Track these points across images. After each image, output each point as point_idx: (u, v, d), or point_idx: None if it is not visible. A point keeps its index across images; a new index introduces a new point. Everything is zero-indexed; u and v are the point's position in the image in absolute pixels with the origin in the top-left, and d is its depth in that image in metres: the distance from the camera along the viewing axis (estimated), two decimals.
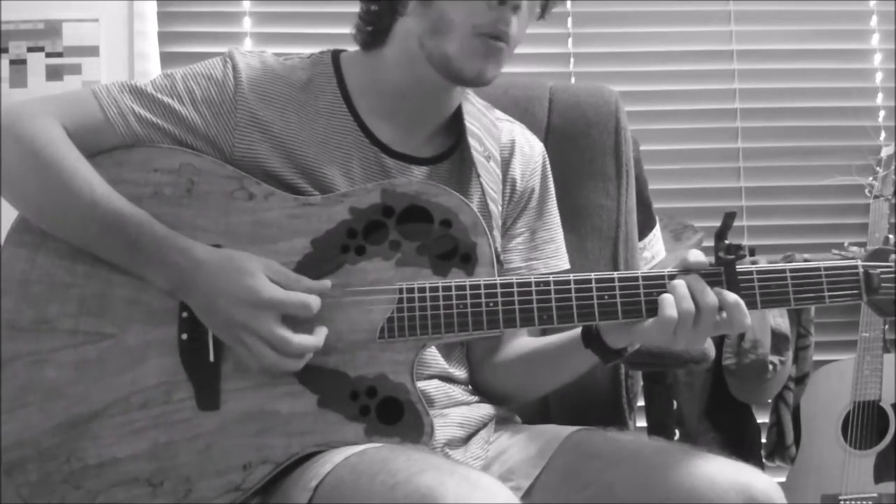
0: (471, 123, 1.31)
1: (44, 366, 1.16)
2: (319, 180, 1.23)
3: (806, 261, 1.22)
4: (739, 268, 1.14)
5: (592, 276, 1.15)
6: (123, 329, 1.17)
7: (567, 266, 1.41)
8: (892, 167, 2.45)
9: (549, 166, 1.43)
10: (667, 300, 1.12)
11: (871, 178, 2.51)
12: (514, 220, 1.38)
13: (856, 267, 1.15)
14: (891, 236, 1.18)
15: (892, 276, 1.15)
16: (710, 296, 1.11)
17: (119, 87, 1.23)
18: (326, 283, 1.15)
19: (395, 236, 1.18)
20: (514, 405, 1.40)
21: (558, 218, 1.42)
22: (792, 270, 1.14)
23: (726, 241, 1.14)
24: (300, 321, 1.13)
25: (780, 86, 2.82)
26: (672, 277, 1.14)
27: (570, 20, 2.79)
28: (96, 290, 1.18)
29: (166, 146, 1.22)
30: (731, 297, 1.11)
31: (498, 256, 1.21)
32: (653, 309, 1.13)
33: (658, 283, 1.14)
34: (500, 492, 0.98)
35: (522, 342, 1.37)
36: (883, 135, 2.81)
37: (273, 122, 1.23)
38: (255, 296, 1.11)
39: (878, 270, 1.15)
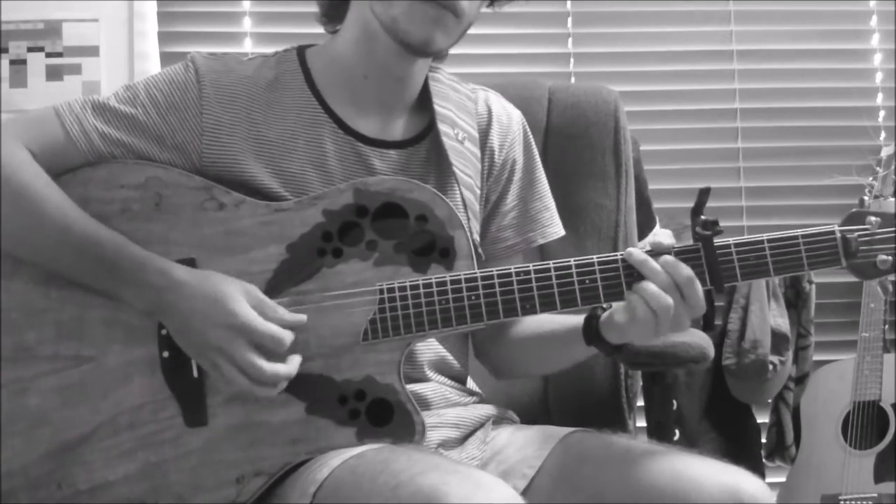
0: (440, 106, 1.29)
1: (26, 394, 1.14)
2: (292, 179, 1.21)
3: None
4: (717, 242, 1.14)
5: (572, 261, 1.15)
6: (103, 350, 1.16)
7: (562, 232, 1.40)
8: (892, 167, 2.45)
9: (530, 134, 1.41)
10: (636, 302, 1.12)
11: (871, 178, 2.51)
12: (500, 194, 1.36)
13: (833, 232, 1.15)
14: (866, 197, 1.18)
15: (869, 238, 1.15)
16: (686, 268, 1.12)
17: (81, 104, 1.22)
18: (302, 317, 1.13)
19: (372, 236, 1.16)
20: (514, 378, 1.40)
21: (547, 184, 1.41)
22: (770, 241, 1.14)
23: (702, 217, 1.15)
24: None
25: (780, 86, 2.83)
26: (650, 255, 1.14)
27: (570, 20, 2.80)
28: (73, 314, 1.16)
29: (131, 161, 1.19)
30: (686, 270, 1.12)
31: (476, 247, 1.21)
32: None
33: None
34: (503, 491, 0.98)
35: (529, 322, 1.35)
36: (883, 135, 2.81)
37: (239, 124, 1.22)
38: (232, 319, 1.09)
39: (856, 234, 1.15)
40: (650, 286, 1.11)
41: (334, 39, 1.29)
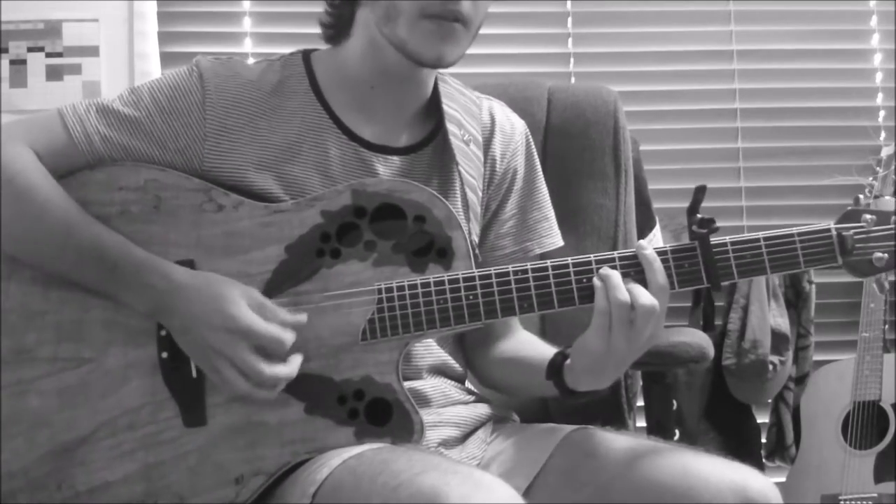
0: (448, 106, 1.29)
1: (27, 395, 1.15)
2: (294, 183, 1.21)
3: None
4: (714, 240, 1.14)
5: (570, 260, 1.15)
6: (103, 352, 1.16)
7: (561, 243, 1.39)
8: (892, 167, 2.45)
9: (532, 143, 1.40)
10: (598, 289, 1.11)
11: (871, 178, 2.51)
12: (499, 202, 1.36)
13: (828, 230, 1.15)
14: (861, 196, 1.17)
15: (865, 236, 1.15)
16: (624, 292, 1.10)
17: (86, 107, 1.22)
18: (303, 317, 1.14)
19: (370, 236, 1.16)
20: (497, 392, 1.39)
21: (548, 195, 1.40)
22: (766, 239, 1.15)
23: (698, 216, 1.15)
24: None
25: (780, 86, 2.83)
26: None
27: (570, 20, 2.80)
28: (72, 315, 1.17)
29: (130, 163, 1.20)
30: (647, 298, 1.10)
31: (474, 247, 1.20)
32: None
33: (634, 263, 1.14)
34: (503, 490, 0.98)
35: (515, 344, 1.35)
36: (883, 135, 2.81)
37: (242, 129, 1.22)
38: (232, 323, 1.10)
39: (852, 232, 1.15)
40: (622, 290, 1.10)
41: (340, 49, 1.28)
